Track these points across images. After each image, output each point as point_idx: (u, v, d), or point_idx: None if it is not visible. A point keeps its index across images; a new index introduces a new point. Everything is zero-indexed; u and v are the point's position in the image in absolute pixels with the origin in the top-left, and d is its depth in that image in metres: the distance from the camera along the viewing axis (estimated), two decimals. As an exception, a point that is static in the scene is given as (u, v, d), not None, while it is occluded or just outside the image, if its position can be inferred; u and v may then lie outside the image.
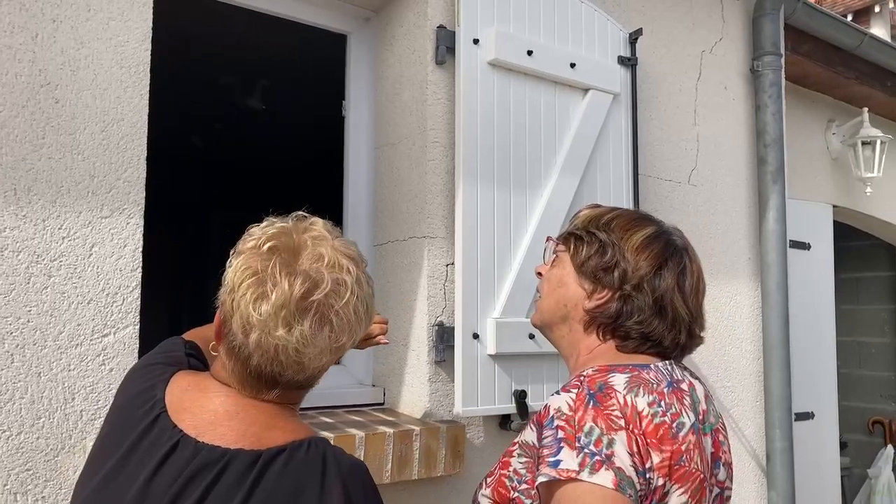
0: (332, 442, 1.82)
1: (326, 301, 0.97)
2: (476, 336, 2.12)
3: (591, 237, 1.23)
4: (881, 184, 4.29)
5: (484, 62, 2.19)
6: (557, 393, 1.10)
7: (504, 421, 2.22)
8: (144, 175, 1.69)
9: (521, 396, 2.19)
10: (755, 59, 3.08)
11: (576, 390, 1.08)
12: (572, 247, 1.24)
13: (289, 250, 0.99)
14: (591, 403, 1.05)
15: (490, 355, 2.14)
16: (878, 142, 4.07)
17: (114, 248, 1.62)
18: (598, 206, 1.32)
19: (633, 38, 2.57)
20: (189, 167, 5.37)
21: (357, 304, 1.01)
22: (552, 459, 1.02)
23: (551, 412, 1.07)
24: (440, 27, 2.19)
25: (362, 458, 1.85)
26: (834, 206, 4.17)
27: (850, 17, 8.69)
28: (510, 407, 2.18)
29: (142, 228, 1.66)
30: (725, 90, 3.03)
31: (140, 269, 1.66)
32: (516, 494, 1.10)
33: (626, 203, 2.50)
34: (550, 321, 1.26)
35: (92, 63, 1.64)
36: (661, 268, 1.19)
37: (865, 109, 4.13)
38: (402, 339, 2.21)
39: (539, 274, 1.32)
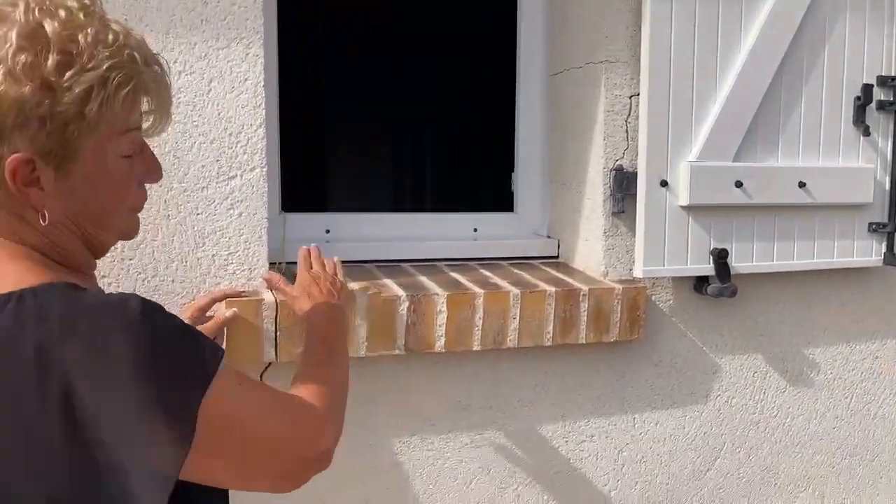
0: (481, 300, 1.63)
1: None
2: (664, 183, 1.75)
3: None
4: None
5: None
6: None
7: (699, 284, 1.87)
8: (263, -1, 1.50)
9: (721, 256, 1.81)
10: None
11: None
12: None
13: None
14: None
15: (682, 207, 1.77)
16: None
17: (233, 82, 1.48)
18: None
19: None
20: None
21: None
22: None
23: None
24: None
25: (517, 319, 1.64)
26: None
27: None
28: (707, 268, 1.82)
29: (263, 59, 1.49)
30: None
31: (264, 106, 1.51)
32: None
33: None
34: None
35: None
36: None
37: None
38: (576, 185, 1.90)
39: None
